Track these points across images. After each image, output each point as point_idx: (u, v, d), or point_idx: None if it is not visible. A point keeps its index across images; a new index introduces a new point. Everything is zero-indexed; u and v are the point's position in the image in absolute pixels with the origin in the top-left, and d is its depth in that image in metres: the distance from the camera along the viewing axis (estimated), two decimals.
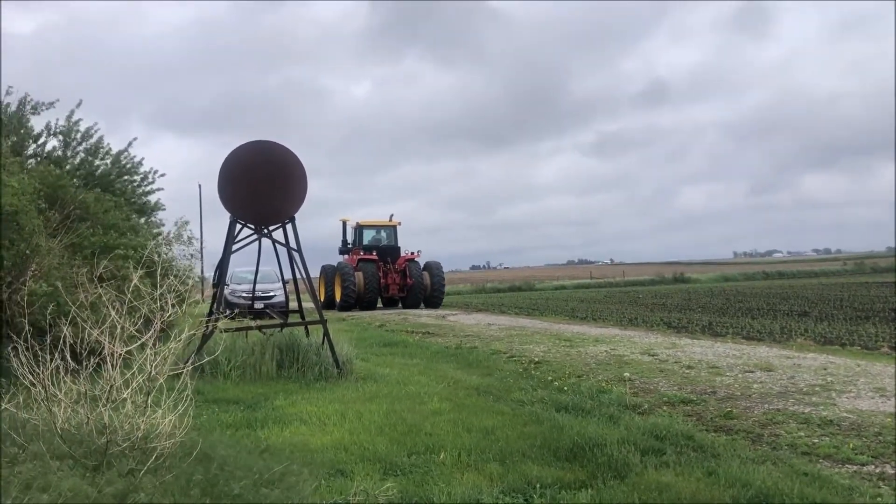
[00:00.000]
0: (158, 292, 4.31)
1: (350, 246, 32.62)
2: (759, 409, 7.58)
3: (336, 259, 32.54)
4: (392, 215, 33.07)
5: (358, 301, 29.41)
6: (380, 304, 30.93)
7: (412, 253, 31.57)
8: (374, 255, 30.74)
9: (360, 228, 32.53)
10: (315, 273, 32.92)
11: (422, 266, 30.94)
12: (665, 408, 7.75)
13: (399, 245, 32.16)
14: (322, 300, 31.49)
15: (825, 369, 9.95)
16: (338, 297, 29.98)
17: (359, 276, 29.44)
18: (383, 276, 30.33)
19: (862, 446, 5.96)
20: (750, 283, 50.26)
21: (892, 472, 5.31)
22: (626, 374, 9.93)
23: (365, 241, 32.11)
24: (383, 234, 32.78)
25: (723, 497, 4.58)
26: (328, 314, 23.98)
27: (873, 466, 5.46)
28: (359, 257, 30.60)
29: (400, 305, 31.27)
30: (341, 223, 33.42)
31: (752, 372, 9.93)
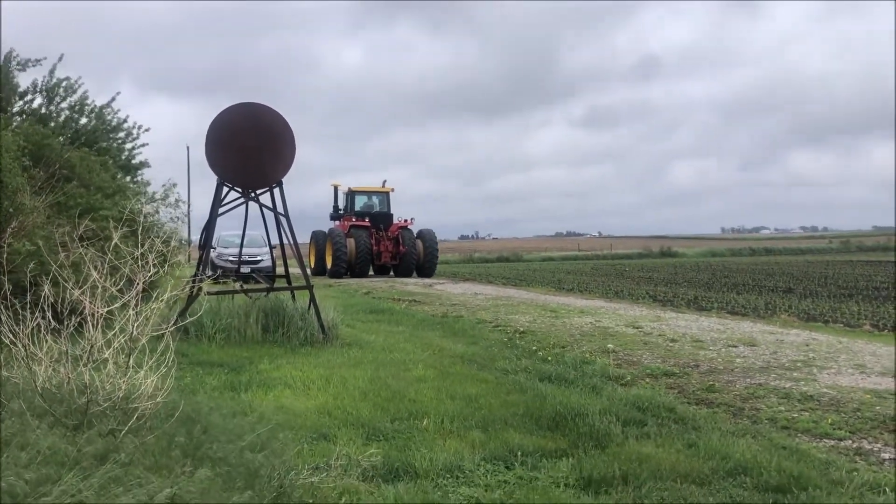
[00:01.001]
0: (139, 252, 4.26)
1: (341, 212, 31.75)
2: (740, 383, 7.65)
3: (325, 226, 32.04)
4: (385, 181, 32.27)
5: (349, 268, 28.75)
6: (371, 272, 30.29)
7: (405, 220, 30.72)
8: (367, 222, 29.92)
9: (352, 194, 31.68)
10: (305, 239, 32.65)
11: (415, 234, 30.26)
12: (648, 380, 7.81)
13: (392, 212, 31.33)
14: (312, 266, 30.81)
15: (807, 345, 10.04)
16: (328, 264, 29.25)
17: (350, 242, 28.68)
18: (375, 243, 29.55)
19: (840, 422, 6.03)
20: (736, 259, 50.53)
21: (869, 447, 5.38)
22: (610, 346, 9.99)
23: (357, 208, 31.29)
24: (376, 200, 31.82)
25: (702, 469, 4.62)
26: (317, 280, 23.93)
27: (851, 441, 5.53)
28: (350, 223, 29.87)
29: (392, 273, 30.63)
30: (333, 188, 32.56)
31: (736, 346, 10.01)
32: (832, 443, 5.50)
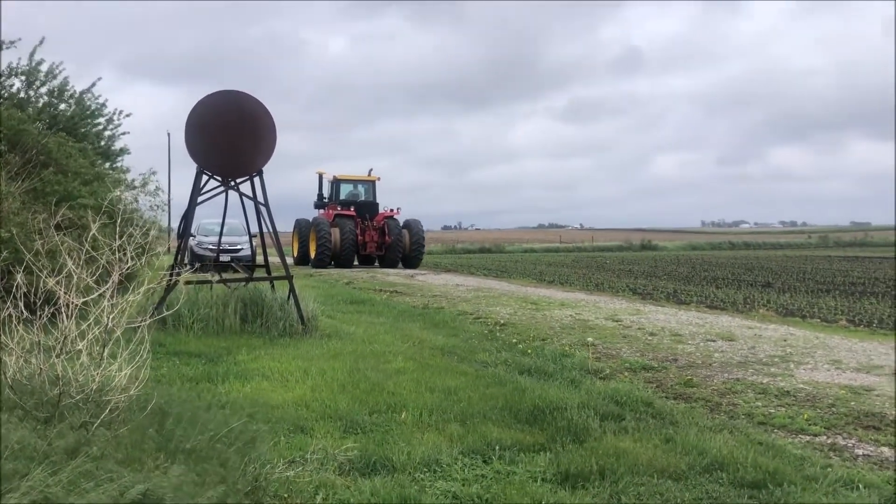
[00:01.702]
0: (118, 243, 4.19)
1: (326, 200, 31.11)
2: (718, 378, 7.69)
3: (306, 215, 31.44)
4: (371, 170, 31.43)
5: (333, 258, 28.11)
6: (355, 263, 29.68)
7: (391, 210, 30.10)
8: (352, 211, 29.25)
9: (337, 182, 31.04)
10: (285, 227, 32.27)
11: (401, 224, 29.67)
12: (626, 374, 7.83)
13: (377, 201, 30.75)
14: (295, 256, 30.43)
15: (785, 340, 10.12)
16: (312, 254, 28.78)
17: (335, 232, 28.04)
18: (361, 233, 28.92)
19: (816, 417, 6.08)
20: (716, 253, 50.88)
21: (844, 443, 5.43)
22: (590, 339, 10.02)
23: (342, 196, 30.69)
24: (361, 189, 31.19)
25: (679, 464, 4.63)
26: (300, 270, 23.72)
27: (825, 437, 5.57)
28: (336, 212, 29.13)
29: (376, 264, 30.00)
30: (318, 175, 31.75)
31: (714, 341, 10.07)
32: (807, 438, 5.55)
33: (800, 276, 23.70)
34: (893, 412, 6.26)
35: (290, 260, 30.25)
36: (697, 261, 35.61)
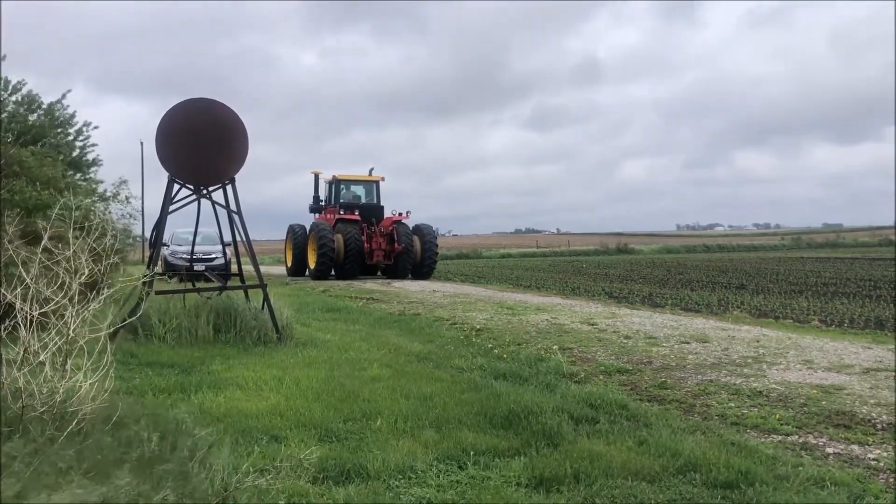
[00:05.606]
0: (77, 253, 4.13)
1: (323, 203, 28.16)
2: (692, 379, 7.73)
3: (281, 224, 30.42)
4: (372, 169, 28.11)
5: (336, 268, 25.12)
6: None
7: (400, 213, 26.73)
8: (356, 215, 25.94)
9: (336, 183, 27.57)
10: (259, 236, 31.65)
11: (411, 229, 26.50)
12: (601, 377, 7.85)
13: (382, 204, 27.50)
14: (289, 266, 28.20)
15: (758, 341, 10.20)
16: (312, 263, 25.84)
17: (339, 238, 24.81)
18: (367, 240, 25.72)
19: (788, 417, 6.12)
20: (691, 256, 51.28)
21: (815, 442, 5.47)
22: (566, 344, 10.03)
23: (342, 198, 27.49)
24: (363, 190, 28.09)
25: (652, 466, 4.65)
26: (285, 280, 23.37)
27: (797, 437, 5.62)
28: (338, 217, 26.01)
29: (379, 274, 26.96)
30: (313, 176, 28.51)
31: (688, 343, 10.13)
32: (779, 438, 5.59)
33: (773, 278, 23.95)
34: (863, 410, 6.34)
35: (283, 270, 29.44)
36: (672, 264, 35.86)
